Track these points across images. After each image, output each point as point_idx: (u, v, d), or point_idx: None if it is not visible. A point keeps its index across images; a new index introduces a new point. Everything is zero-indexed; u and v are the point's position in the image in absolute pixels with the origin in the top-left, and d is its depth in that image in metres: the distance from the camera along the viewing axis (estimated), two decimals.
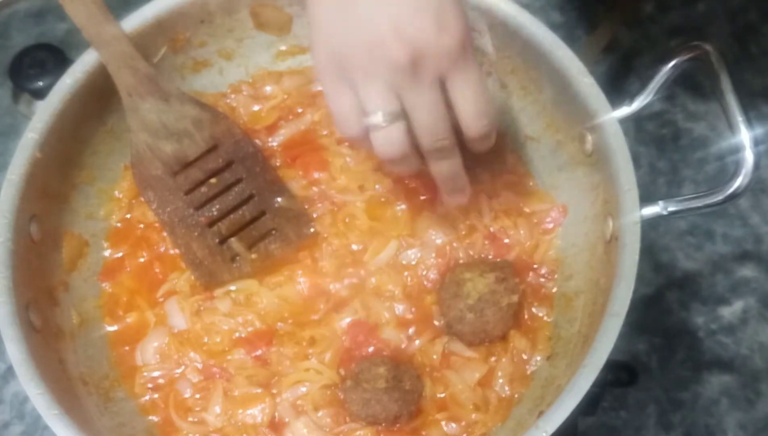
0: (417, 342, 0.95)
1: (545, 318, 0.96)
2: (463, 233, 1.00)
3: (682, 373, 1.10)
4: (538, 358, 0.94)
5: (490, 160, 0.99)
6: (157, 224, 1.01)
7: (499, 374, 0.93)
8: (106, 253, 1.02)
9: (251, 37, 1.09)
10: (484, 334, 0.93)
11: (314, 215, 1.01)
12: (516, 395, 0.93)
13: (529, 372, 0.94)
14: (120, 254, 1.01)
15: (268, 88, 1.10)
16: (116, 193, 1.04)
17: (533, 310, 0.97)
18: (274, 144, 1.07)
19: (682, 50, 0.88)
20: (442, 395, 0.93)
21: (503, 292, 0.92)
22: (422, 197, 1.02)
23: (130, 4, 0.99)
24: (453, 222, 1.00)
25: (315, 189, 1.03)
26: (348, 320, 0.96)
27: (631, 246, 0.84)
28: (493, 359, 0.94)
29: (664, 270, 1.16)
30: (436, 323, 0.96)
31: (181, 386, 0.94)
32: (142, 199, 1.01)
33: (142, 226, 1.02)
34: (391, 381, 0.89)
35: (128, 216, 1.03)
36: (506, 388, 0.93)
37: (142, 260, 1.01)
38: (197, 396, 0.93)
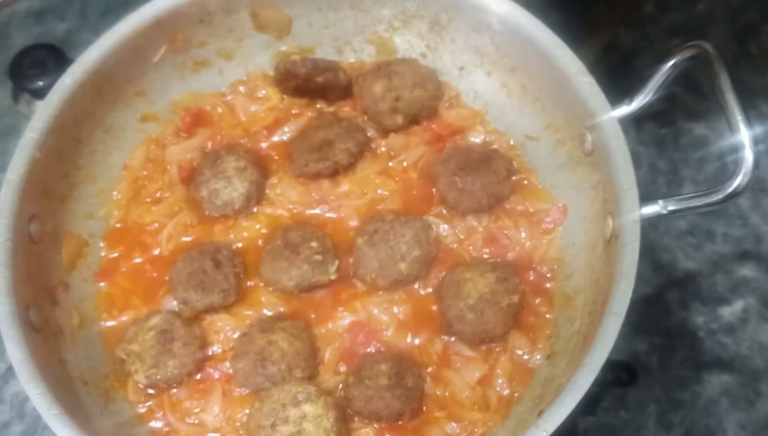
0: (417, 341, 0.95)
1: (546, 315, 0.96)
2: (462, 236, 1.00)
3: (682, 373, 1.10)
4: (538, 357, 0.94)
5: (493, 184, 0.99)
6: (150, 228, 1.01)
7: (499, 372, 0.93)
8: (103, 253, 1.01)
9: (251, 37, 1.09)
10: (484, 333, 0.92)
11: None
12: (516, 394, 0.93)
13: (529, 371, 0.94)
14: (116, 255, 1.01)
15: (266, 90, 1.10)
16: (115, 193, 1.04)
17: (534, 308, 0.97)
18: (275, 140, 1.07)
19: (681, 50, 0.88)
20: (443, 394, 0.92)
21: (503, 292, 0.92)
22: (415, 192, 1.03)
23: (130, 4, 0.99)
24: (452, 223, 1.01)
25: (314, 195, 1.03)
26: (349, 319, 0.96)
27: (631, 245, 0.84)
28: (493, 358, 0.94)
29: (664, 270, 1.16)
30: (437, 320, 0.96)
31: (178, 386, 0.93)
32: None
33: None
34: (394, 378, 0.89)
35: (124, 217, 1.03)
36: (506, 387, 0.93)
37: (137, 260, 1.00)
38: (195, 397, 0.93)
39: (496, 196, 1.00)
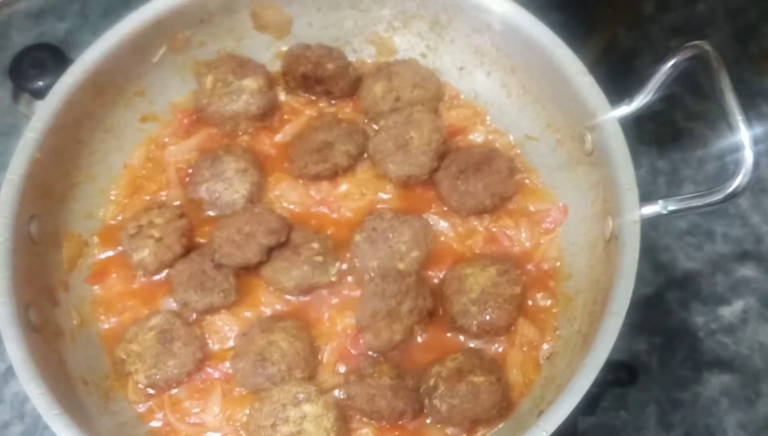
0: (419, 340, 0.95)
1: (552, 310, 0.96)
2: (462, 235, 1.00)
3: (682, 373, 1.10)
4: (546, 347, 0.94)
5: (496, 183, 0.99)
6: None
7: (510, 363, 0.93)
8: (96, 250, 1.01)
9: (251, 37, 1.09)
10: (489, 326, 0.93)
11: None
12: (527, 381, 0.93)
13: (540, 360, 0.93)
14: (111, 254, 1.00)
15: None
16: (114, 193, 1.04)
17: (537, 301, 0.97)
18: (276, 140, 1.06)
19: (681, 50, 0.88)
20: None
21: (505, 284, 0.93)
22: (415, 194, 1.02)
23: (130, 4, 0.99)
24: (452, 222, 1.01)
25: (315, 196, 1.03)
26: (349, 320, 0.95)
27: (631, 245, 0.85)
28: (497, 347, 0.94)
29: (664, 270, 1.16)
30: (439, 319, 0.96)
31: (178, 386, 0.94)
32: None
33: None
34: (395, 378, 0.89)
35: (120, 218, 1.02)
36: (518, 377, 0.93)
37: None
38: (195, 397, 0.93)
39: (500, 196, 1.00)
